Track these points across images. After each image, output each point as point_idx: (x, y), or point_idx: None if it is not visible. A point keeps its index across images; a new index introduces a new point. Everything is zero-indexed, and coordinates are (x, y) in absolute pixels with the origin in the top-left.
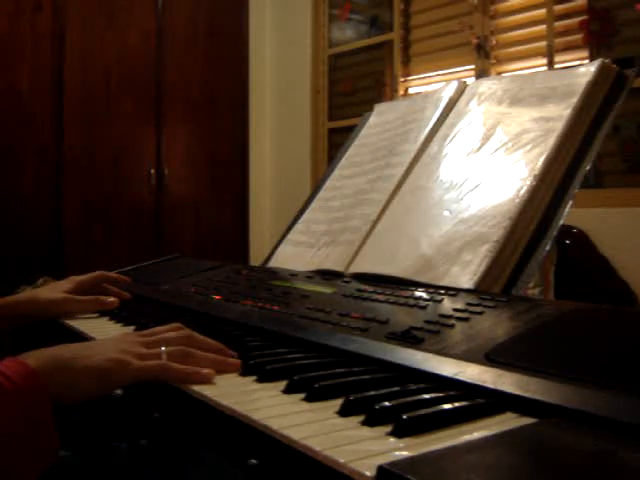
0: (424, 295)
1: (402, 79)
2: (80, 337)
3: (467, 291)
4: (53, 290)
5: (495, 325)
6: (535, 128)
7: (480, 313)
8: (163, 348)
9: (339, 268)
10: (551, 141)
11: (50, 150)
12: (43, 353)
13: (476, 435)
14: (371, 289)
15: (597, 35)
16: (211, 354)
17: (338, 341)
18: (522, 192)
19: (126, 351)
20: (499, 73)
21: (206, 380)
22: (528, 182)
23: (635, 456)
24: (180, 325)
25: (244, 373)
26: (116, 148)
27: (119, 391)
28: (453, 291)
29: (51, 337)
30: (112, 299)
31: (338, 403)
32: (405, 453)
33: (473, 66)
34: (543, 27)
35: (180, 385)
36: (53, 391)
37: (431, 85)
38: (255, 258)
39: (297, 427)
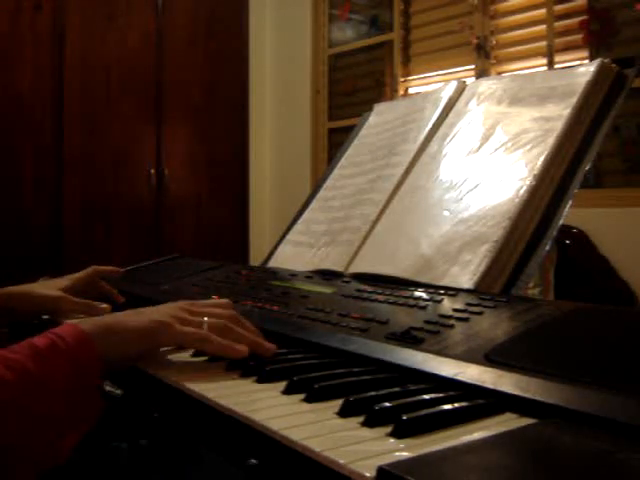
0: (424, 295)
1: (402, 79)
2: None
3: (467, 291)
4: (48, 286)
5: (495, 325)
6: (535, 128)
7: (480, 313)
8: (206, 318)
9: (339, 268)
10: (551, 141)
11: (50, 150)
12: (95, 320)
13: (476, 436)
14: (371, 289)
15: (597, 35)
16: (250, 334)
17: (338, 341)
18: (522, 192)
19: (171, 315)
20: (499, 73)
21: (240, 355)
22: (528, 182)
23: (634, 456)
24: (229, 302)
25: (244, 374)
26: (116, 148)
27: (119, 391)
28: (453, 291)
29: None
30: (105, 306)
31: (338, 404)
32: (405, 454)
33: (473, 66)
34: (543, 27)
35: (180, 385)
36: (104, 354)
37: (431, 85)
38: (255, 258)
39: (297, 428)
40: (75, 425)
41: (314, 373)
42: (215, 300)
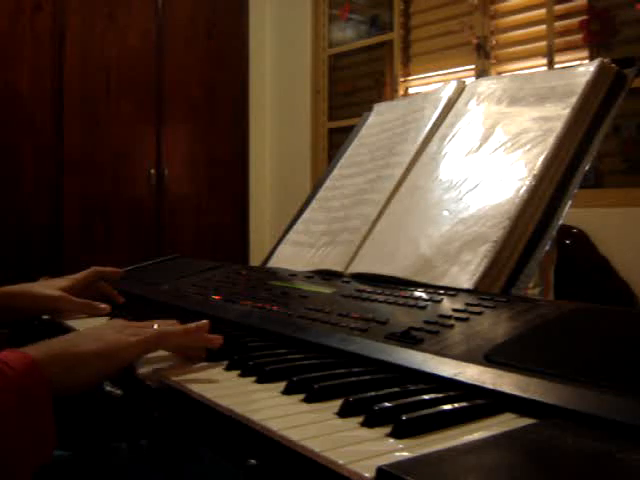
0: (423, 295)
1: (402, 79)
2: None
3: (466, 291)
4: (48, 286)
5: (494, 325)
6: (534, 128)
7: (479, 313)
8: (155, 325)
9: (338, 268)
10: (550, 141)
11: (50, 150)
12: (40, 345)
13: (476, 436)
14: (370, 289)
15: (597, 35)
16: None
17: (337, 341)
18: (521, 192)
19: (121, 332)
20: (499, 73)
21: (203, 338)
22: (527, 182)
23: (634, 456)
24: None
25: (244, 374)
26: (116, 148)
27: (119, 391)
28: (452, 291)
29: (51, 337)
30: (104, 306)
31: (337, 404)
32: (405, 454)
33: (473, 66)
34: (543, 27)
35: (180, 385)
36: (54, 380)
37: (431, 85)
38: (255, 258)
39: (296, 428)
40: (23, 459)
41: (314, 373)
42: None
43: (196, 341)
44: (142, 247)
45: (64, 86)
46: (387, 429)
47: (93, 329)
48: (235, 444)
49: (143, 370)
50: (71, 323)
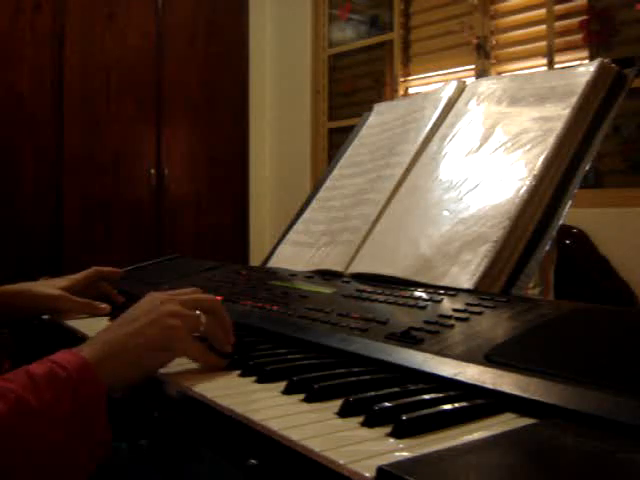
0: (423, 295)
1: (402, 79)
2: (81, 338)
3: (467, 291)
4: (48, 285)
5: (495, 325)
6: (534, 128)
7: (480, 313)
8: (198, 312)
9: (339, 268)
10: (550, 141)
11: (50, 150)
12: (94, 342)
13: (476, 436)
14: (371, 289)
15: (597, 35)
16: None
17: (338, 341)
18: (521, 192)
19: (171, 315)
20: (499, 73)
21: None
22: (527, 182)
23: (634, 456)
24: (197, 289)
25: (244, 374)
26: (116, 148)
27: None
28: (452, 291)
29: (51, 337)
30: (104, 306)
31: (338, 404)
32: (405, 454)
33: (473, 66)
34: (543, 27)
35: (180, 385)
36: (108, 378)
37: (431, 85)
38: (255, 258)
39: (297, 428)
40: (79, 461)
41: (314, 373)
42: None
43: (224, 327)
44: (142, 247)
45: (64, 86)
46: (387, 429)
47: (141, 310)
48: (235, 444)
49: None
50: (71, 323)
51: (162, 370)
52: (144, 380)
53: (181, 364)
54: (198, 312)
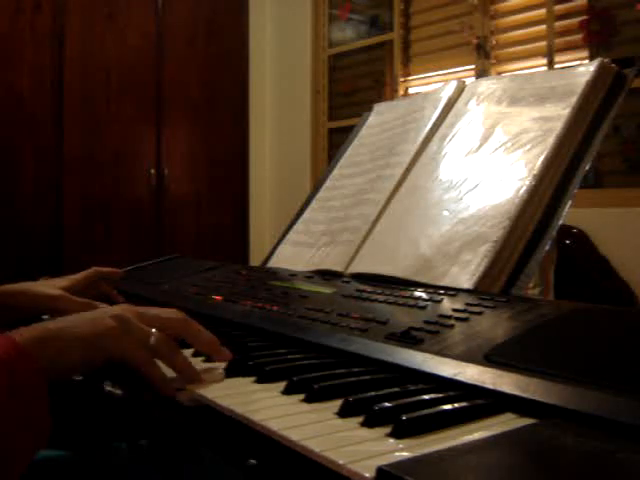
0: (423, 295)
1: (402, 79)
2: None
3: (466, 291)
4: (48, 285)
5: (495, 325)
6: (534, 128)
7: (479, 313)
8: (154, 330)
9: (339, 268)
10: (550, 141)
11: (50, 150)
12: (31, 329)
13: (476, 436)
14: (370, 289)
15: (597, 35)
16: (192, 366)
17: (337, 341)
18: (521, 192)
19: (120, 320)
20: (499, 73)
21: (171, 395)
22: (527, 182)
23: (635, 456)
24: (176, 310)
25: (244, 374)
26: (116, 148)
27: (119, 391)
28: (452, 291)
29: None
30: (104, 306)
31: (337, 404)
32: (405, 454)
33: (473, 66)
34: (543, 27)
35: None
36: (43, 363)
37: (431, 85)
38: (255, 258)
39: (296, 428)
40: (16, 452)
41: (314, 373)
42: (162, 308)
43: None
44: (142, 247)
45: (64, 86)
46: (387, 429)
47: (95, 310)
48: (235, 444)
49: None
50: None
51: (162, 371)
52: (87, 371)
53: None
54: (154, 330)
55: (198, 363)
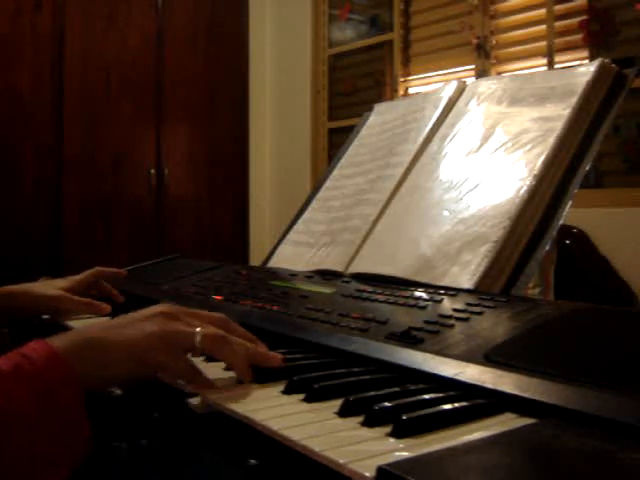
0: (424, 295)
1: (402, 79)
2: None
3: (467, 291)
4: (49, 286)
5: (495, 325)
6: (535, 128)
7: (480, 313)
8: (198, 329)
9: (339, 268)
10: (551, 141)
11: (50, 150)
12: (73, 335)
13: (476, 435)
14: (371, 289)
15: (597, 35)
16: (249, 343)
17: (338, 341)
18: (522, 192)
19: (164, 328)
20: (499, 73)
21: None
22: (528, 182)
23: (635, 456)
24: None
25: None
26: (116, 148)
27: (119, 391)
28: (453, 291)
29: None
30: (105, 305)
31: (338, 404)
32: (405, 454)
33: (473, 66)
34: (543, 27)
35: (179, 385)
36: (83, 373)
37: (431, 85)
38: (255, 258)
39: (297, 428)
40: (52, 465)
41: (314, 373)
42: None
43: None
44: (142, 247)
45: (64, 86)
46: (387, 429)
47: (136, 315)
48: (235, 444)
49: None
50: (71, 323)
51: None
52: (134, 383)
53: None
54: (198, 329)
55: (200, 363)
